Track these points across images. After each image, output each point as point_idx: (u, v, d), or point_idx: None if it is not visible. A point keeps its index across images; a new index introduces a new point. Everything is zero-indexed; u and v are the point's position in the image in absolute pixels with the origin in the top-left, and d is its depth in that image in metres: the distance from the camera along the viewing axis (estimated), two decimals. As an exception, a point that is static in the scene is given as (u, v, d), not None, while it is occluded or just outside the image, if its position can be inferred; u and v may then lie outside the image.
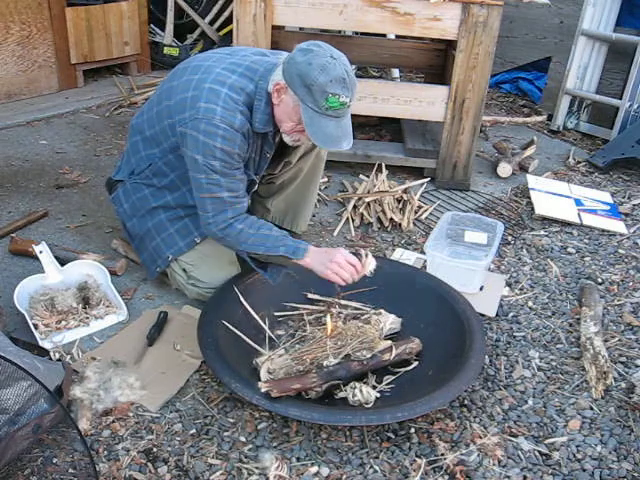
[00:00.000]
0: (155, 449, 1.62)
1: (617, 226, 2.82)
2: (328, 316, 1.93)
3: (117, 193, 2.22)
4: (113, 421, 1.69)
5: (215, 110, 1.82)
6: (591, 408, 1.81)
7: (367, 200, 2.81)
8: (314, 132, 1.80)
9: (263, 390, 1.63)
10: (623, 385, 1.89)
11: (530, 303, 2.28)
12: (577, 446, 1.68)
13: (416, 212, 2.85)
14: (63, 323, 2.01)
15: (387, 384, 1.83)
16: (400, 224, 2.73)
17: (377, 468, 1.60)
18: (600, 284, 2.39)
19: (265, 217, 2.41)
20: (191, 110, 1.84)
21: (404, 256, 2.49)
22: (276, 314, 2.06)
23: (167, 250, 2.12)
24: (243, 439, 1.67)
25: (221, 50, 2.04)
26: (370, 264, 1.91)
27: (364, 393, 1.73)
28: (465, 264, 2.27)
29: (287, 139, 1.97)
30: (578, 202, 2.99)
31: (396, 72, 4.52)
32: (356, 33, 4.02)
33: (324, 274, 1.91)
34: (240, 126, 1.84)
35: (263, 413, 1.74)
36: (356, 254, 1.96)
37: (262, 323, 1.96)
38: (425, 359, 1.91)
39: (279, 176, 2.31)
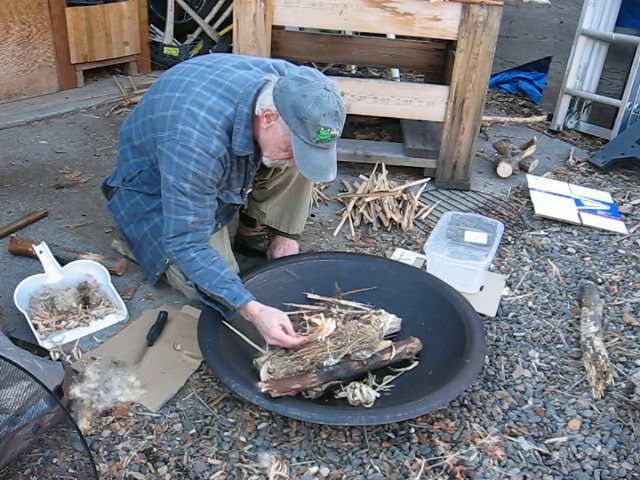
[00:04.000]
0: (155, 449, 1.62)
1: (617, 226, 2.82)
2: (321, 316, 1.93)
3: (113, 200, 2.24)
4: (113, 421, 1.69)
5: (192, 134, 1.81)
6: (591, 408, 1.81)
7: (367, 200, 2.81)
8: (304, 164, 1.80)
9: (263, 390, 1.63)
10: (623, 385, 1.89)
11: (530, 303, 2.28)
12: (577, 446, 1.68)
13: (416, 212, 2.85)
14: (63, 323, 2.01)
15: (387, 384, 1.83)
16: (400, 224, 2.73)
17: (377, 468, 1.60)
18: (600, 284, 2.39)
19: (261, 220, 2.41)
20: (170, 130, 1.85)
21: (404, 256, 2.49)
22: (276, 314, 2.06)
23: (164, 254, 2.11)
24: (243, 439, 1.67)
25: (204, 60, 2.00)
26: (327, 331, 1.86)
27: (364, 393, 1.73)
28: (465, 264, 2.27)
29: (268, 162, 1.95)
30: (578, 202, 2.99)
31: (396, 72, 4.52)
32: (356, 33, 4.02)
33: (270, 339, 1.83)
34: (215, 151, 1.83)
35: (263, 413, 1.74)
36: (313, 320, 1.92)
37: (262, 323, 1.96)
38: (425, 359, 1.91)
39: (270, 182, 2.30)
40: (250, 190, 2.42)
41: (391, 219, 2.73)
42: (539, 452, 1.66)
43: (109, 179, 2.29)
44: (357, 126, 3.74)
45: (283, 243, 2.40)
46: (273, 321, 1.81)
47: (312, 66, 3.81)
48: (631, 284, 2.39)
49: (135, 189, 2.15)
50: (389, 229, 2.72)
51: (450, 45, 3.31)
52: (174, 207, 1.88)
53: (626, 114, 3.65)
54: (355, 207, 2.82)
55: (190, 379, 1.86)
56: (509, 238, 2.71)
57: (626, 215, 2.95)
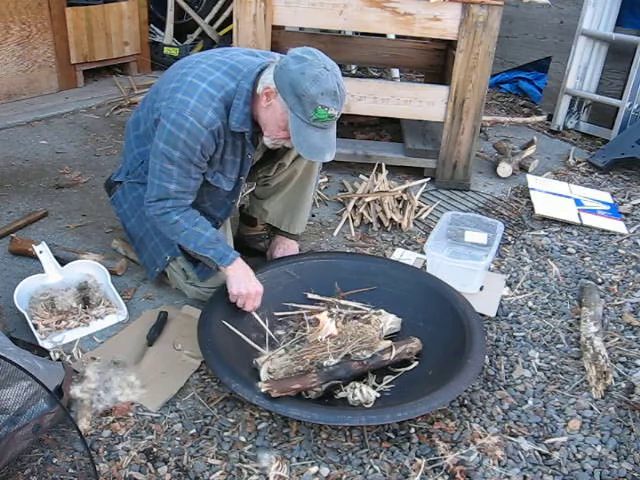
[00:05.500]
0: (155, 449, 1.62)
1: (617, 226, 2.82)
2: (322, 315, 1.93)
3: (116, 194, 2.24)
4: (113, 421, 1.69)
5: (188, 103, 1.83)
6: (591, 408, 1.81)
7: (367, 200, 2.81)
8: (300, 142, 1.81)
9: (263, 390, 1.63)
10: (623, 385, 1.89)
11: (530, 303, 2.28)
12: (577, 446, 1.68)
13: (416, 212, 2.85)
14: (63, 323, 2.01)
15: (387, 384, 1.83)
16: (400, 224, 2.73)
17: (377, 468, 1.60)
18: (600, 284, 2.39)
19: (263, 218, 2.42)
20: (168, 99, 1.87)
21: (404, 256, 2.49)
22: (276, 314, 2.06)
23: (165, 251, 2.12)
24: (243, 439, 1.67)
25: (215, 49, 2.06)
26: (327, 331, 1.87)
27: (364, 393, 1.73)
28: (465, 264, 2.27)
29: (268, 142, 1.96)
30: (578, 202, 2.99)
31: (396, 72, 4.53)
32: (356, 33, 4.02)
33: (231, 292, 1.96)
34: (209, 123, 1.84)
35: (263, 413, 1.74)
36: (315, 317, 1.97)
37: (262, 323, 1.96)
38: (425, 359, 1.91)
39: (274, 178, 2.30)
40: (253, 189, 2.42)
41: (391, 219, 2.73)
42: (539, 452, 1.66)
43: (113, 175, 2.28)
44: (357, 126, 3.73)
45: (283, 243, 2.40)
46: (254, 287, 1.96)
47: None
48: (631, 284, 2.39)
49: (137, 180, 2.15)
50: (389, 229, 2.72)
51: (450, 45, 3.31)
52: (158, 173, 1.91)
53: (626, 114, 3.65)
54: (355, 207, 2.82)
55: (190, 379, 1.86)
56: (509, 238, 2.71)
57: (626, 215, 2.94)
